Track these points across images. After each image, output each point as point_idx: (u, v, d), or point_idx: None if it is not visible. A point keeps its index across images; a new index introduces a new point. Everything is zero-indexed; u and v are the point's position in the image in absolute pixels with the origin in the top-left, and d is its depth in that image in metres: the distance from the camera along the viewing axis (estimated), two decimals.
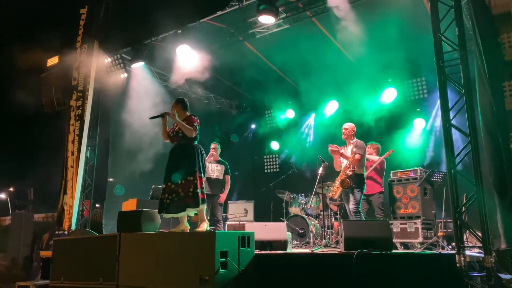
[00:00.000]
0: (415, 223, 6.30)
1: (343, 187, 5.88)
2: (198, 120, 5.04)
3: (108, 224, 8.70)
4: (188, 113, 5.13)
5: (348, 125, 6.24)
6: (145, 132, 8.76)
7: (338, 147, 6.12)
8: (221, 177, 7.34)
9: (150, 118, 5.19)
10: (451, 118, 4.60)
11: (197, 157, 4.90)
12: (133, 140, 9.26)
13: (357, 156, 5.91)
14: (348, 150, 6.11)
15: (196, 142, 5.03)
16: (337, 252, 5.10)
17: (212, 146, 7.40)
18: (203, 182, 4.89)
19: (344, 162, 6.06)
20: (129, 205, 7.32)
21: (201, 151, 5.01)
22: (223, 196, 7.34)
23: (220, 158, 7.47)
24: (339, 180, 5.97)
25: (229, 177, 7.44)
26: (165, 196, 4.83)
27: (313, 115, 10.80)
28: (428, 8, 4.98)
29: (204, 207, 4.89)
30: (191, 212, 4.91)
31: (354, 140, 6.14)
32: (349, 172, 5.93)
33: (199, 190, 4.76)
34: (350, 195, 5.91)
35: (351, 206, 5.88)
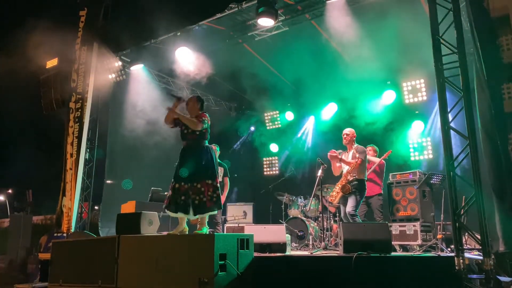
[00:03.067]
0: (414, 226, 6.30)
1: (344, 192, 5.86)
2: (208, 117, 4.97)
3: (105, 226, 8.69)
4: (200, 112, 5.07)
5: (349, 130, 6.21)
6: (144, 134, 8.77)
7: (337, 152, 6.10)
8: (220, 179, 7.32)
9: (168, 94, 5.19)
10: (450, 120, 4.61)
11: (214, 160, 4.91)
12: (132, 142, 9.25)
13: (358, 161, 5.89)
14: (349, 156, 6.08)
15: (206, 143, 4.98)
16: (336, 255, 5.10)
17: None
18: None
19: (345, 168, 6.04)
20: (128, 207, 7.30)
21: (213, 152, 5.00)
22: (222, 198, 7.31)
23: (219, 160, 7.45)
24: (340, 185, 5.95)
25: (228, 179, 7.43)
26: (179, 197, 4.70)
27: (312, 117, 10.80)
28: (426, 11, 4.98)
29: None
30: (212, 213, 4.96)
31: (355, 145, 6.10)
32: (350, 178, 5.90)
33: (220, 193, 4.84)
34: (349, 197, 5.90)
35: (348, 208, 5.86)
